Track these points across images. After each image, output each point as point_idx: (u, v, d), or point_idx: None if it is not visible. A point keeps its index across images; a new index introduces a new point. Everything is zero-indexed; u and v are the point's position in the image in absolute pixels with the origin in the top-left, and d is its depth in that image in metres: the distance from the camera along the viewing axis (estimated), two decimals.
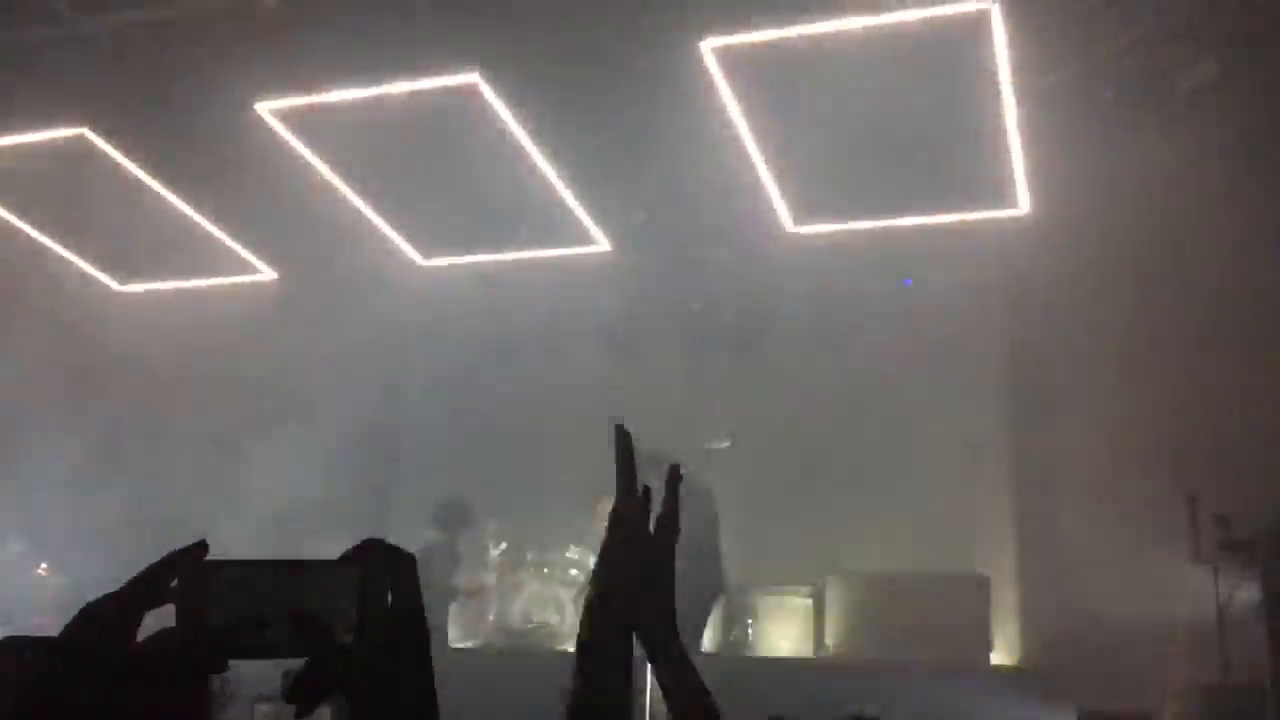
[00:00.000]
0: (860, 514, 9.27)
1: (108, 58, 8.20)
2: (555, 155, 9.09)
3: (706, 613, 7.52)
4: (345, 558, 0.85)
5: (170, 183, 9.71)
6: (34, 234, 10.40)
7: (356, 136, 9.11)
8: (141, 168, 9.41)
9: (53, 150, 9.02)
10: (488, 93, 8.05)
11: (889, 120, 8.54)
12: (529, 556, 9.17)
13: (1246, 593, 6.42)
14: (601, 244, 10.08)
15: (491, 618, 9.00)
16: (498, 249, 10.38)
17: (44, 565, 9.53)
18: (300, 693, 0.81)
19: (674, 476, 1.23)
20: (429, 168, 9.77)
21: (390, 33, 7.54)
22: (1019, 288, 9.48)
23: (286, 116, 8.62)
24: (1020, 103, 7.80)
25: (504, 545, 9.26)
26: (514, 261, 10.52)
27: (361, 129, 9.00)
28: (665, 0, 7.48)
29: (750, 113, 8.23)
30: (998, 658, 8.31)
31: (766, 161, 8.74)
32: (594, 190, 9.71)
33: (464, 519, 8.27)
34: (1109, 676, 6.87)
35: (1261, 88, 7.37)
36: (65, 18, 7.73)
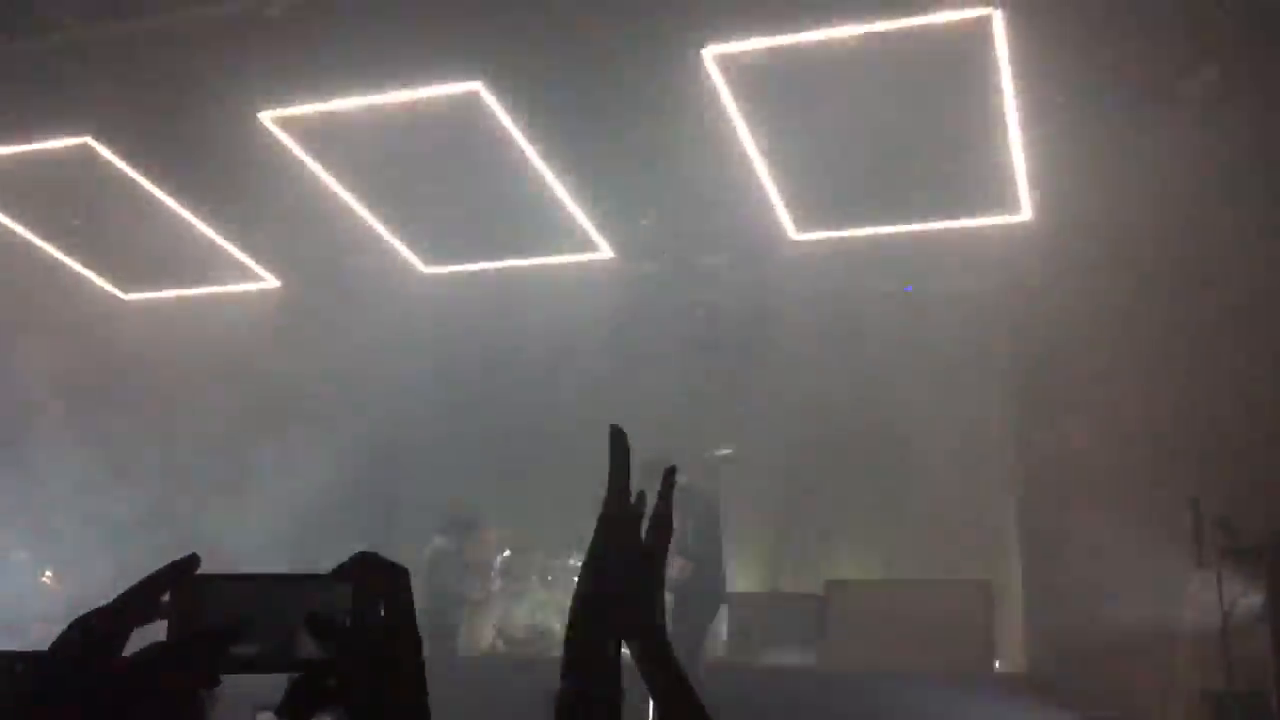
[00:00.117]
0: (863, 522, 9.27)
1: (111, 67, 8.23)
2: (557, 163, 9.11)
3: (709, 622, 7.51)
4: (339, 571, 0.84)
5: (174, 191, 9.73)
6: (39, 243, 10.43)
7: (359, 145, 9.13)
8: (146, 176, 9.44)
9: (57, 159, 9.05)
10: (490, 101, 8.07)
11: (891, 127, 8.55)
12: (533, 563, 9.17)
13: (1251, 598, 6.41)
14: (605, 251, 10.09)
15: (496, 625, 9.00)
16: (500, 257, 10.39)
17: (49, 573, 9.54)
18: (295, 706, 0.80)
19: (667, 478, 1.24)
20: (431, 176, 9.79)
21: (392, 42, 7.56)
22: (1022, 294, 9.47)
23: (290, 125, 8.65)
24: (1023, 108, 7.81)
25: (508, 552, 9.27)
26: (517, 269, 10.53)
27: (364, 138, 9.03)
28: (667, 7, 7.49)
29: (752, 120, 8.24)
30: (1002, 665, 8.29)
31: (768, 169, 8.75)
32: (597, 197, 9.72)
33: (471, 527, 8.29)
34: (1113, 683, 6.85)
35: (1264, 92, 7.37)
36: (69, 27, 7.76)
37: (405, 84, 7.96)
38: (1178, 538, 6.74)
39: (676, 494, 1.24)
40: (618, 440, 1.18)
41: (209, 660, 0.80)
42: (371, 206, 9.87)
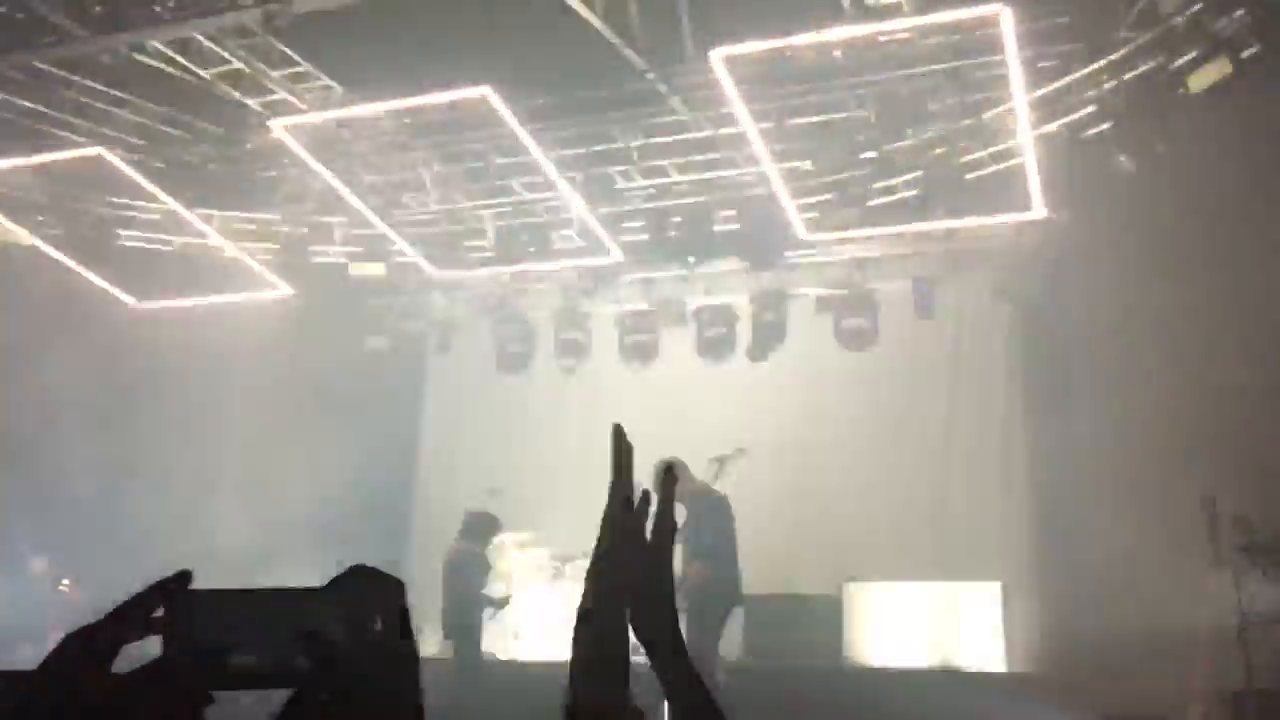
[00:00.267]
0: (877, 522, 9.24)
1: (122, 78, 8.29)
2: (566, 166, 9.12)
3: (724, 623, 7.49)
4: (333, 584, 0.83)
5: (186, 200, 9.78)
6: (52, 252, 10.49)
7: (369, 151, 9.18)
8: (158, 186, 9.49)
9: (70, 170, 9.11)
10: (499, 105, 8.08)
11: (901, 125, 8.55)
12: (544, 565, 9.18)
13: (1268, 596, 6.36)
14: (614, 254, 10.09)
15: (511, 626, 9.00)
16: (510, 260, 10.40)
17: (66, 581, 9.59)
18: None
19: (666, 474, 1.24)
20: (441, 181, 9.82)
21: (400, 48, 7.59)
22: (1035, 292, 9.44)
23: (300, 132, 8.68)
24: (1032, 106, 7.78)
25: (519, 554, 9.27)
26: (526, 272, 10.54)
27: (373, 143, 9.07)
28: (675, 11, 7.50)
29: (761, 121, 8.23)
30: (1016, 664, 8.26)
31: (779, 170, 8.74)
32: (606, 200, 9.73)
33: (493, 529, 8.30)
34: (1129, 683, 6.80)
35: (1275, 83, 7.32)
36: (79, 39, 7.81)
37: (415, 90, 7.98)
38: (1194, 536, 6.69)
39: (689, 497, 1.25)
40: (619, 439, 1.18)
41: (202, 677, 0.79)
42: (381, 212, 9.90)
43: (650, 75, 7.99)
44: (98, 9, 7.57)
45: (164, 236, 10.39)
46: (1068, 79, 7.97)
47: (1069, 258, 8.83)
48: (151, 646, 0.81)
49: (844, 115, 8.68)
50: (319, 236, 10.66)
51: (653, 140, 9.27)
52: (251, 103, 8.58)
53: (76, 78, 8.44)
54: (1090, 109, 8.01)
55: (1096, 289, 8.54)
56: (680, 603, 1.34)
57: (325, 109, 8.41)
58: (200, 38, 7.90)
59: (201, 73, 8.23)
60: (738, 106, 7.89)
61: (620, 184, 9.71)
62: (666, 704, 1.13)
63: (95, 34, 7.73)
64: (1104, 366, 8.38)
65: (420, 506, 11.21)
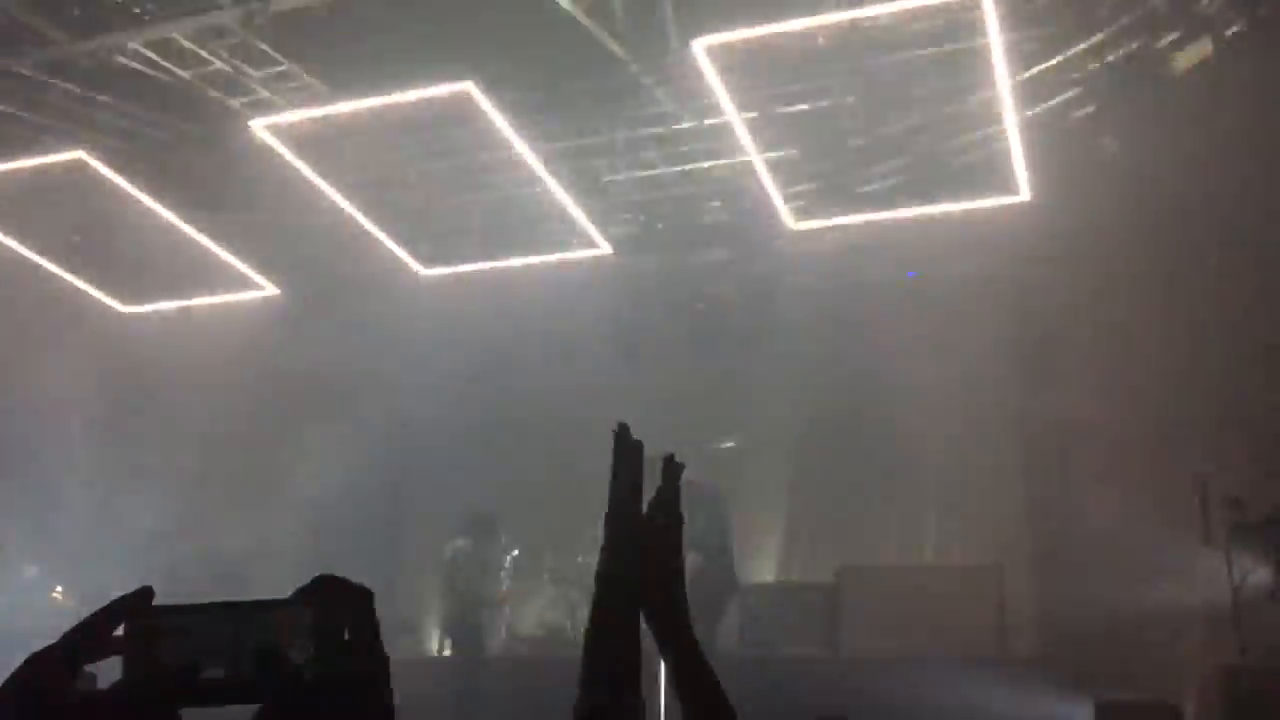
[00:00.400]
0: (872, 508, 9.26)
1: (102, 80, 8.23)
2: (552, 160, 9.09)
3: (721, 612, 7.51)
4: (300, 595, 0.82)
5: (170, 203, 9.72)
6: (36, 259, 10.42)
7: (352, 149, 9.13)
8: (141, 189, 9.43)
9: (51, 175, 9.04)
10: (482, 100, 8.05)
11: (886, 112, 8.55)
12: (542, 563, 9.18)
13: (1260, 574, 6.40)
14: (603, 247, 10.08)
15: (507, 623, 9.01)
16: (498, 256, 10.37)
17: (59, 589, 9.55)
18: None
19: (670, 467, 1.24)
20: (426, 178, 9.78)
21: (381, 45, 7.55)
22: (1024, 276, 9.46)
23: (282, 133, 8.63)
24: (1016, 88, 7.78)
25: (516, 552, 9.27)
26: (514, 268, 10.51)
27: (357, 142, 9.02)
28: (657, 1, 7.48)
29: (746, 110, 8.22)
30: (1014, 649, 8.29)
31: (765, 159, 8.73)
32: (593, 193, 9.71)
33: (490, 529, 8.31)
34: (1124, 664, 6.84)
35: (1258, 62, 7.34)
36: (59, 43, 7.75)
37: (396, 87, 7.94)
38: (1185, 515, 6.73)
39: (682, 489, 1.25)
40: (623, 438, 1.18)
41: (169, 696, 0.77)
42: (367, 210, 9.86)
43: (634, 67, 7.97)
44: (75, 12, 7.52)
45: (148, 239, 10.33)
46: (1051, 62, 7.98)
47: (1056, 241, 8.84)
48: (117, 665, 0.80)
49: (829, 103, 8.67)
50: (304, 236, 10.61)
51: (638, 132, 9.25)
52: (233, 103, 8.52)
53: (56, 81, 8.37)
54: (1074, 91, 8.02)
55: (1084, 272, 8.56)
56: None
57: (307, 107, 8.36)
58: (180, 38, 7.85)
59: (182, 73, 8.17)
60: (722, 96, 7.87)
61: (607, 176, 9.69)
62: (665, 691, 1.13)
63: (74, 37, 7.67)
64: (1093, 349, 8.41)
65: (414, 504, 11.19)
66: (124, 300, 11.47)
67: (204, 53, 7.98)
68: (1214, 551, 6.57)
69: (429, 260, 10.57)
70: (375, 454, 10.38)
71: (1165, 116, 7.62)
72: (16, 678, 0.76)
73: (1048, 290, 9.22)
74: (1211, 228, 7.54)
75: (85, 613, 0.81)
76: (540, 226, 10.06)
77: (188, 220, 10.01)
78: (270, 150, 8.73)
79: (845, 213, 9.21)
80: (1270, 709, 5.82)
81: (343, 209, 9.70)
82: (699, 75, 7.69)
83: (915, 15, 7.56)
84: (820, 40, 7.80)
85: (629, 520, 1.18)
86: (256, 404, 10.42)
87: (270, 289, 11.14)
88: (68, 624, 0.81)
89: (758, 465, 8.81)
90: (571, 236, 10.07)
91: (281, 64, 8.28)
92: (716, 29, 7.30)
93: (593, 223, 9.83)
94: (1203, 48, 7.19)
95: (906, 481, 9.30)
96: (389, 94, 8.02)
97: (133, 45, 7.84)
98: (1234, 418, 7.21)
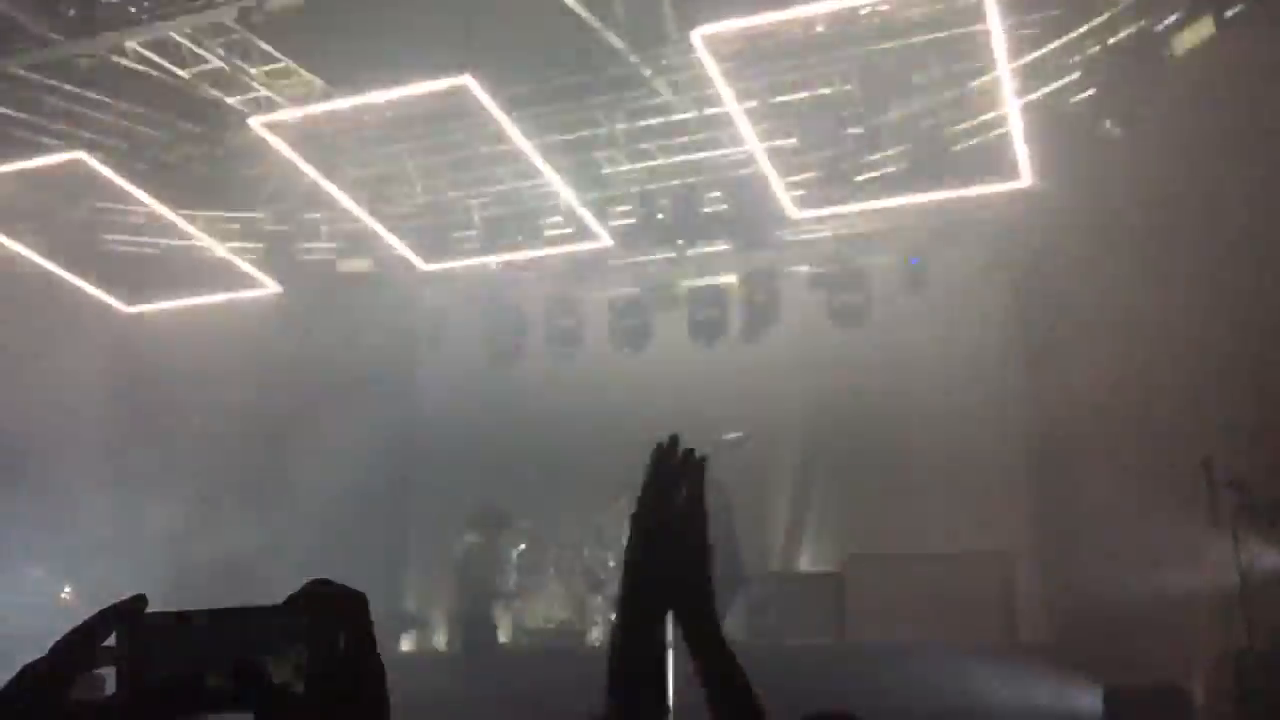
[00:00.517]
0: (878, 496, 9.26)
1: (99, 80, 8.22)
2: (551, 152, 9.07)
3: (726, 603, 7.52)
4: (293, 601, 0.81)
5: (169, 201, 9.71)
6: (38, 259, 10.42)
7: (351, 145, 9.12)
8: (140, 187, 9.42)
9: (51, 176, 9.03)
10: (480, 94, 8.03)
11: (886, 99, 8.51)
12: (548, 556, 9.17)
13: (1267, 557, 6.38)
14: (603, 239, 10.06)
15: (512, 617, 9.01)
16: (498, 250, 10.36)
17: (67, 590, 9.56)
18: None
19: (696, 465, 1.24)
20: (425, 172, 9.77)
21: (379, 40, 7.53)
22: (1027, 261, 9.43)
23: (281, 130, 8.61)
24: (1016, 74, 7.75)
25: (523, 546, 9.27)
26: (516, 261, 10.50)
27: (356, 138, 9.01)
28: None
29: (746, 100, 8.18)
30: (1022, 635, 8.28)
31: (765, 148, 8.70)
32: (593, 185, 9.69)
33: (501, 523, 8.31)
34: (1133, 649, 6.83)
35: (1259, 43, 7.30)
36: (54, 43, 7.73)
37: (394, 82, 7.92)
38: (1192, 499, 6.71)
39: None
40: (666, 454, 1.19)
41: (167, 706, 0.76)
42: (367, 206, 9.84)
43: (633, 58, 7.94)
44: (71, 12, 7.50)
45: (150, 239, 10.32)
46: (1052, 45, 7.94)
47: (1059, 226, 8.81)
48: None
49: (828, 91, 8.63)
50: (305, 233, 10.60)
51: (637, 123, 9.22)
52: (232, 101, 8.51)
53: (53, 82, 8.36)
54: (1075, 75, 7.98)
55: (1087, 257, 8.53)
56: None
57: (306, 104, 8.35)
58: (178, 37, 7.83)
59: (180, 72, 8.15)
60: (721, 86, 7.84)
61: (607, 169, 9.66)
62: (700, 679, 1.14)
63: (70, 37, 7.65)
64: (1097, 333, 8.38)
65: (419, 500, 11.20)
66: (126, 301, 11.47)
67: (202, 51, 7.96)
68: (1221, 535, 6.55)
69: (430, 255, 10.56)
70: (380, 450, 10.39)
71: (1167, 100, 7.58)
72: (9, 688, 0.75)
73: (1051, 275, 9.19)
74: (1216, 211, 7.50)
75: (91, 613, 0.80)
76: (540, 219, 10.04)
77: (188, 219, 10.00)
78: (269, 148, 8.72)
79: (846, 201, 9.18)
80: (1279, 693, 5.81)
81: (343, 204, 9.68)
82: (698, 65, 7.66)
83: (914, 1, 7.53)
84: (819, 28, 7.77)
85: (663, 514, 1.19)
86: (261, 403, 10.42)
87: (272, 286, 11.13)
88: (74, 625, 0.80)
89: (763, 455, 8.79)
90: (572, 229, 10.05)
91: (279, 61, 8.26)
92: (715, 18, 7.27)
93: (593, 215, 9.81)
94: (1203, 28, 7.15)
95: (913, 469, 9.28)
96: (387, 89, 8.00)
97: (130, 45, 7.82)
98: (1240, 400, 7.19)
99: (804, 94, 8.63)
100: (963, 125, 8.51)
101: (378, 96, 8.08)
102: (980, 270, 9.54)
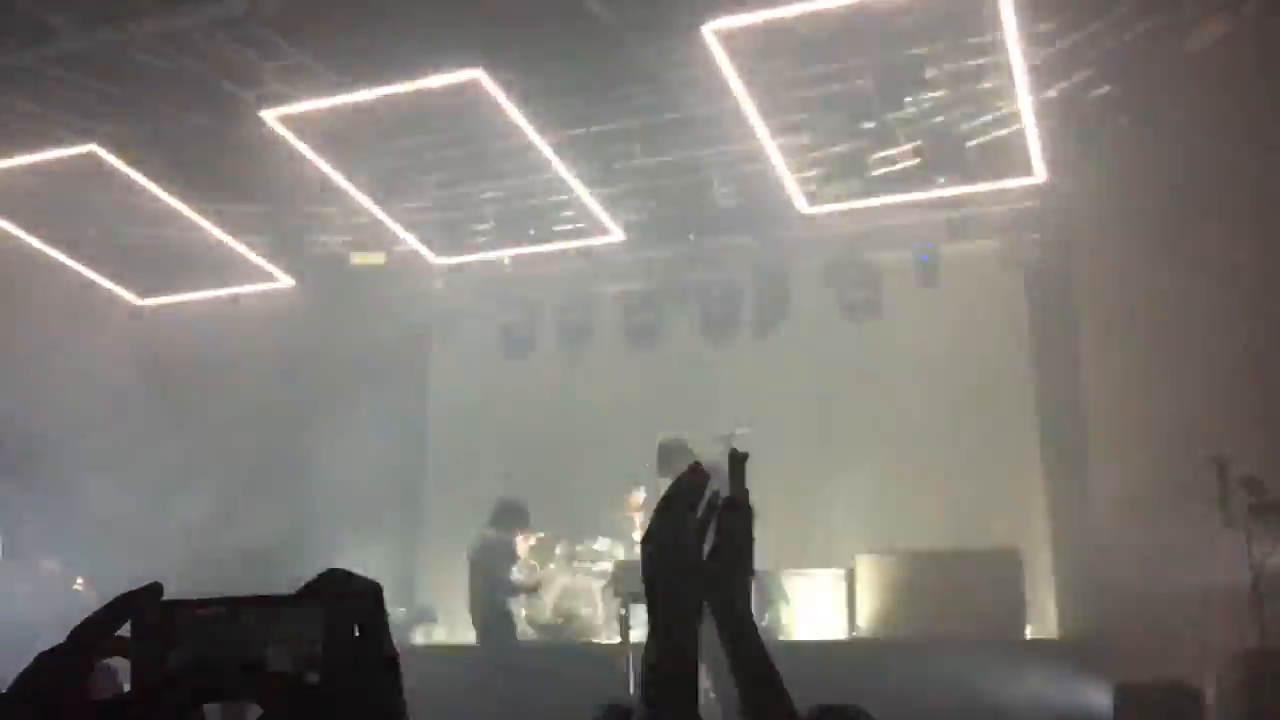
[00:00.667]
0: (889, 492, 9.24)
1: (112, 73, 8.24)
2: (563, 147, 9.07)
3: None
4: (307, 590, 0.80)
5: (182, 194, 9.75)
6: (52, 252, 10.47)
7: (363, 138, 9.12)
8: (153, 180, 9.45)
9: (64, 168, 9.07)
10: (492, 88, 8.03)
11: (899, 94, 8.48)
12: (558, 550, 9.19)
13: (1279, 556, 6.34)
14: (615, 234, 10.06)
15: (524, 612, 9.03)
16: (510, 244, 10.37)
17: (80, 580, 9.62)
18: None
19: (737, 459, 1.27)
20: (437, 166, 9.77)
21: (391, 33, 7.53)
22: (1040, 258, 9.40)
23: (294, 123, 8.63)
24: (1031, 70, 7.71)
25: (533, 540, 9.29)
26: (527, 255, 10.51)
27: (368, 131, 9.01)
28: None
29: (757, 95, 8.16)
30: (1033, 632, 8.27)
31: (776, 143, 8.68)
32: (605, 180, 9.68)
33: (521, 517, 8.34)
34: (1144, 646, 6.81)
35: (1276, 37, 7.25)
36: (67, 35, 7.76)
37: (406, 75, 7.92)
38: (1205, 497, 6.67)
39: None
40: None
41: (179, 706, 0.75)
42: (379, 200, 9.86)
43: (645, 52, 7.92)
44: (84, 4, 7.51)
45: (163, 232, 10.36)
46: (1067, 41, 7.90)
47: (1072, 222, 8.78)
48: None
49: (841, 86, 8.60)
50: (317, 226, 10.62)
51: (649, 118, 9.21)
52: (245, 93, 8.52)
53: (64, 74, 8.38)
54: (1090, 71, 7.94)
55: (1100, 253, 8.49)
56: None
57: (319, 97, 8.36)
58: (191, 29, 7.84)
59: (193, 65, 8.17)
60: (733, 81, 7.82)
61: (618, 163, 9.65)
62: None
63: (83, 29, 7.67)
64: (1110, 330, 8.35)
65: (432, 494, 11.24)
66: (140, 293, 11.53)
67: (215, 44, 7.97)
68: (1234, 533, 6.52)
69: (442, 249, 10.58)
70: (392, 443, 10.43)
71: (1182, 95, 7.54)
72: (25, 679, 0.75)
73: (1064, 272, 9.16)
74: (1231, 207, 7.46)
75: (105, 602, 0.80)
76: (553, 214, 10.05)
77: (201, 212, 10.03)
78: (282, 140, 8.73)
79: (858, 196, 9.16)
80: None
81: (355, 197, 9.70)
82: (709, 60, 7.64)
83: None
84: (832, 23, 7.74)
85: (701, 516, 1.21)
86: (274, 395, 10.46)
87: (285, 280, 11.17)
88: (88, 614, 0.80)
89: (772, 451, 8.77)
90: (584, 223, 10.05)
91: (292, 54, 8.26)
92: (727, 13, 7.25)
93: (605, 210, 9.81)
94: (1219, 24, 7.10)
95: (924, 465, 9.27)
96: (400, 83, 8.00)
97: (141, 35, 7.84)
98: (1254, 398, 7.15)
99: (816, 89, 8.60)
100: (976, 121, 8.47)
101: (390, 90, 8.08)
102: (993, 266, 9.51)
